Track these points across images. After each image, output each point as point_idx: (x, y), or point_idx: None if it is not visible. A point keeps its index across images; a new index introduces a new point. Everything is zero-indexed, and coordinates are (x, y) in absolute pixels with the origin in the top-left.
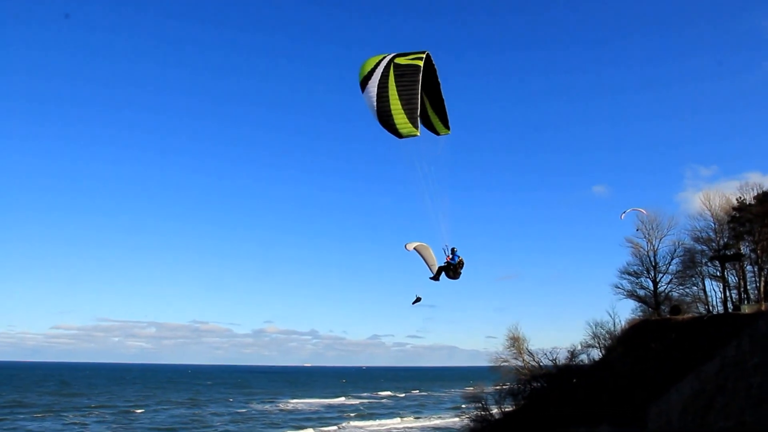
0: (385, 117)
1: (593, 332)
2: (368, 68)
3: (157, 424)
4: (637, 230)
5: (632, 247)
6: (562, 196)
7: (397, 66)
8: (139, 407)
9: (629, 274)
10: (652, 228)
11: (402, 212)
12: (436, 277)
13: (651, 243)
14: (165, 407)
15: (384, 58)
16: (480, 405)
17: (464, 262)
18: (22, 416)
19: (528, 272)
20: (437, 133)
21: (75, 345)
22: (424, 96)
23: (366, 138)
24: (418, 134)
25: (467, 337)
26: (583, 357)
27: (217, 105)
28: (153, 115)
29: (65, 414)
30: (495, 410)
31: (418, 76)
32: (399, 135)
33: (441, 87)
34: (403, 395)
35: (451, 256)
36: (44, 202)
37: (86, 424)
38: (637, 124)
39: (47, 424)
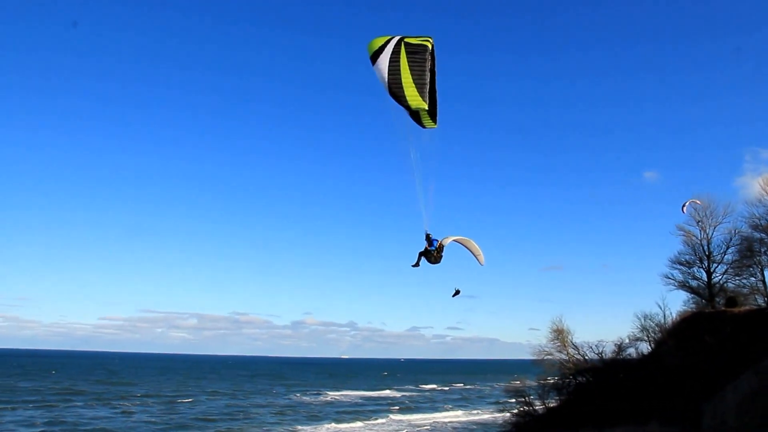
0: (395, 88)
1: (642, 325)
2: (378, 44)
3: (202, 414)
4: (698, 223)
5: (684, 235)
6: (610, 183)
7: (408, 44)
8: (183, 397)
9: (681, 263)
10: (706, 215)
11: (438, 203)
12: (416, 264)
13: (705, 231)
14: (208, 397)
15: (393, 37)
16: (523, 399)
17: (444, 245)
18: (77, 404)
19: (573, 262)
20: (423, 126)
21: (121, 335)
22: None
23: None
24: (426, 107)
25: (509, 329)
26: (631, 351)
27: (239, 102)
28: (184, 113)
29: (115, 402)
30: (539, 405)
31: (428, 54)
32: (408, 107)
33: (435, 77)
34: (447, 388)
35: (428, 243)
36: (91, 202)
37: (133, 413)
38: (692, 104)
39: (98, 411)
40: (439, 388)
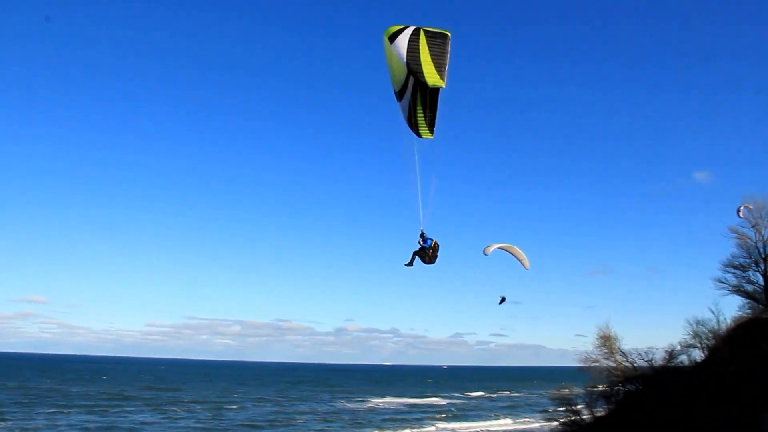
0: (413, 65)
1: (694, 331)
2: (396, 29)
3: (248, 420)
4: (753, 225)
5: (737, 237)
6: (659, 184)
7: (427, 31)
8: (230, 403)
9: (734, 267)
10: (761, 216)
11: (479, 206)
12: (410, 263)
13: (760, 233)
14: (253, 404)
15: (410, 26)
16: (570, 408)
17: (439, 245)
18: (127, 408)
19: (620, 267)
20: (420, 136)
21: (167, 342)
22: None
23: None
24: (444, 86)
25: (554, 336)
26: (683, 358)
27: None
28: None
29: (165, 407)
30: (586, 413)
31: (447, 41)
32: (426, 84)
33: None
34: (494, 395)
35: (422, 241)
36: (136, 212)
37: (182, 418)
38: (743, 99)
39: (148, 416)
40: (486, 396)
